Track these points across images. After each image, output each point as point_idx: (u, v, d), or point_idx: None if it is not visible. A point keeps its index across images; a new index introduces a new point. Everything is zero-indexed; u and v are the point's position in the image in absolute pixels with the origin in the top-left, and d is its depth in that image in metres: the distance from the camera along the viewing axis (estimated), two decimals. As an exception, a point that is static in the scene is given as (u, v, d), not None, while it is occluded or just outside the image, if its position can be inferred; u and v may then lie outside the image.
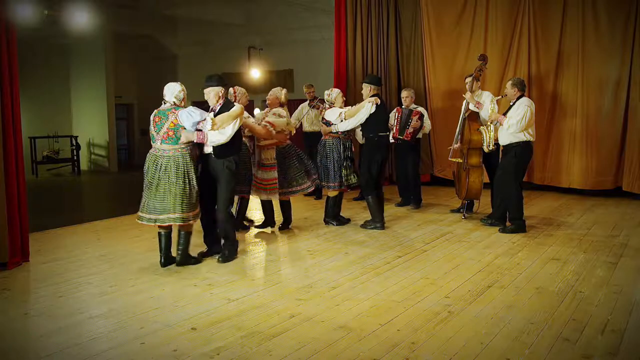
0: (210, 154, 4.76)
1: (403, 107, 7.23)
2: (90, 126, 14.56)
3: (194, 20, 12.58)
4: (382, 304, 3.82)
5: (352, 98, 8.59)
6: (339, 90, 6.39)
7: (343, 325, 3.45)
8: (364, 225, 6.24)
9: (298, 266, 4.82)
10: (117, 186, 12.50)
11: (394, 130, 7.14)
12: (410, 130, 6.98)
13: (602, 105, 7.82)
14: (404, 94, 7.31)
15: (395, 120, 7.14)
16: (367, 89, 6.11)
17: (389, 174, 9.35)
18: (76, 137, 14.23)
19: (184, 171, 4.61)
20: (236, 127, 4.72)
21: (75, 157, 14.10)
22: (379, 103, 6.00)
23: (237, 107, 4.78)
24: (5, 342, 3.33)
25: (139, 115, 15.78)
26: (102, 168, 14.58)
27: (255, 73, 12.09)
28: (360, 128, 6.25)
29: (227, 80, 5.06)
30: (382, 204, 6.26)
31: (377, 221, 6.17)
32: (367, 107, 5.92)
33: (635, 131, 7.57)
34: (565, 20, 7.97)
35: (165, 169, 4.58)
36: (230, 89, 5.56)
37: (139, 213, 4.71)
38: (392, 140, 7.36)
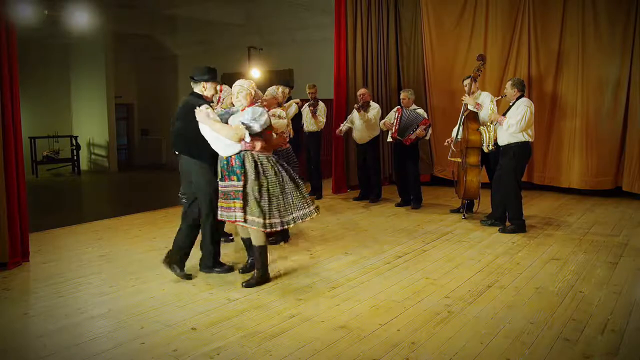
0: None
1: (403, 107, 7.22)
2: (90, 126, 14.57)
3: (194, 20, 12.56)
4: (382, 304, 3.82)
5: (352, 97, 8.57)
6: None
7: (343, 325, 3.45)
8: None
9: (298, 266, 4.82)
10: (117, 186, 12.49)
11: (393, 130, 7.14)
12: (413, 137, 7.01)
13: (602, 105, 7.81)
14: (402, 95, 7.29)
15: (395, 120, 7.14)
16: (285, 91, 6.79)
17: (389, 173, 9.35)
18: (76, 137, 14.25)
19: None
20: None
21: (75, 157, 14.10)
22: (299, 103, 6.60)
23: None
24: (5, 342, 3.33)
25: (139, 115, 15.78)
26: (102, 168, 14.59)
27: (255, 73, 12.08)
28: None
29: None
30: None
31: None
32: (293, 107, 6.40)
33: (635, 131, 7.56)
34: (565, 20, 7.97)
35: (278, 170, 4.23)
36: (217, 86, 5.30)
37: (271, 220, 4.07)
38: (389, 140, 7.37)
